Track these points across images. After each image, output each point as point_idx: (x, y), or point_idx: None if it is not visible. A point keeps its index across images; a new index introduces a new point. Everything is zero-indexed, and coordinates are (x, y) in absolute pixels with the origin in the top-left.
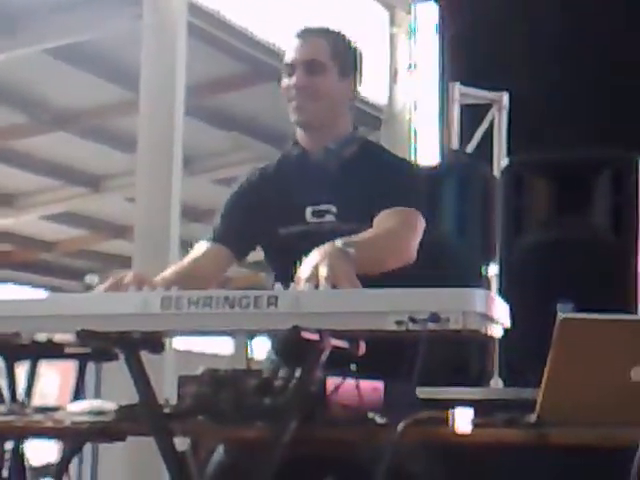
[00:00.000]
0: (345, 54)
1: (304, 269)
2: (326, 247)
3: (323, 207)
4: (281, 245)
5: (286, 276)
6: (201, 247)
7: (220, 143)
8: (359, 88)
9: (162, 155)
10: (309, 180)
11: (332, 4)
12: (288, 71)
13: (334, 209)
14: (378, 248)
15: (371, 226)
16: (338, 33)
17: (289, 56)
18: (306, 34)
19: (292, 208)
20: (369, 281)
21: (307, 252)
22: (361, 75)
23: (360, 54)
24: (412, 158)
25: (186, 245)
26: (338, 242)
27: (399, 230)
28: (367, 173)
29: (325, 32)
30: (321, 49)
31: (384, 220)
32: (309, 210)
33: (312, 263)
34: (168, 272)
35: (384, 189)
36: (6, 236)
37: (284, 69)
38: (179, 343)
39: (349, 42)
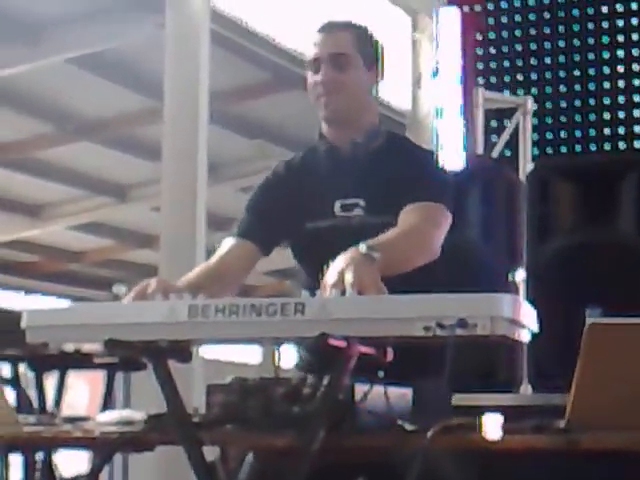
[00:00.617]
0: (369, 45)
1: (330, 275)
2: (351, 253)
3: (351, 201)
4: (309, 240)
5: (316, 271)
6: (227, 243)
7: (244, 151)
8: (382, 81)
9: (187, 163)
10: (337, 174)
11: (355, 10)
12: (313, 67)
13: (362, 202)
14: (402, 248)
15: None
16: (360, 26)
17: (314, 51)
18: (330, 28)
19: (320, 202)
20: (396, 286)
21: (336, 246)
22: (383, 68)
23: (382, 47)
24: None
25: (211, 253)
26: (362, 247)
27: (422, 226)
28: (395, 166)
29: (348, 25)
30: (346, 41)
31: (408, 216)
32: (338, 204)
33: (337, 269)
34: (193, 273)
35: (411, 182)
36: (33, 247)
37: (309, 65)
38: (207, 352)
39: (371, 34)
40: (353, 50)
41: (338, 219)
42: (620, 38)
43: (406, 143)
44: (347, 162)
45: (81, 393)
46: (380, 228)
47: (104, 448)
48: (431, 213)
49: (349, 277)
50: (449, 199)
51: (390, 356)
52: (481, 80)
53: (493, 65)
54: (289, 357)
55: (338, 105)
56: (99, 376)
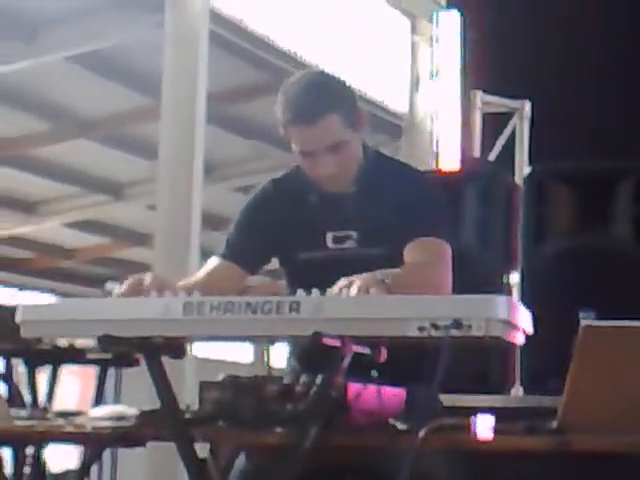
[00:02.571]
0: (351, 107)
1: (339, 282)
2: (363, 274)
3: (344, 233)
4: (304, 269)
5: None
6: (213, 263)
7: (241, 151)
8: (366, 118)
9: (183, 163)
10: (327, 205)
11: (354, 13)
12: (304, 154)
13: (355, 235)
14: (414, 283)
15: (394, 251)
16: (337, 89)
17: (301, 145)
18: (313, 118)
19: (311, 232)
20: None
21: (331, 277)
22: (359, 110)
23: (352, 90)
24: (433, 167)
25: (206, 253)
26: (377, 273)
27: (433, 265)
28: (386, 196)
29: (328, 104)
30: (335, 127)
31: (414, 254)
32: (330, 235)
33: (347, 280)
34: (182, 283)
35: (406, 215)
36: (27, 243)
37: (300, 153)
38: (198, 350)
39: (343, 86)
40: (343, 130)
41: (332, 251)
42: (620, 44)
43: (395, 167)
44: (337, 195)
45: (72, 389)
46: (374, 260)
47: (96, 443)
48: (437, 250)
49: (357, 282)
50: (448, 231)
51: (384, 356)
52: (479, 84)
53: (491, 69)
54: (281, 356)
55: (344, 181)
56: (90, 372)
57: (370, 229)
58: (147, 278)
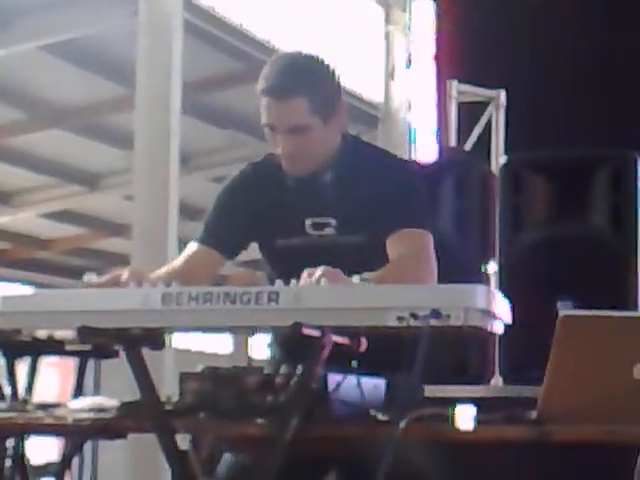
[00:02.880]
0: (325, 97)
1: (303, 274)
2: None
3: (322, 220)
4: (281, 256)
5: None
6: (191, 248)
7: (216, 141)
8: (346, 113)
9: (159, 153)
10: (304, 192)
11: (328, 2)
12: (269, 129)
13: (334, 222)
14: (399, 282)
15: (374, 238)
16: (316, 75)
17: (267, 117)
18: (281, 93)
19: (289, 217)
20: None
21: (309, 264)
22: (341, 102)
23: (337, 76)
24: (409, 156)
25: (184, 243)
26: (355, 278)
27: (417, 260)
28: (365, 183)
29: (299, 86)
30: (301, 111)
31: (397, 247)
32: (308, 221)
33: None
34: (161, 272)
35: (386, 204)
36: (3, 234)
37: (264, 125)
38: (178, 342)
39: (326, 75)
40: (309, 116)
41: (310, 237)
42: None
43: (373, 153)
44: (315, 181)
45: (51, 381)
46: (353, 247)
47: (77, 435)
48: (420, 242)
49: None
50: (429, 220)
51: (364, 346)
52: (454, 73)
53: (466, 58)
54: (260, 347)
55: (302, 165)
56: (69, 364)
57: (349, 216)
58: (125, 273)
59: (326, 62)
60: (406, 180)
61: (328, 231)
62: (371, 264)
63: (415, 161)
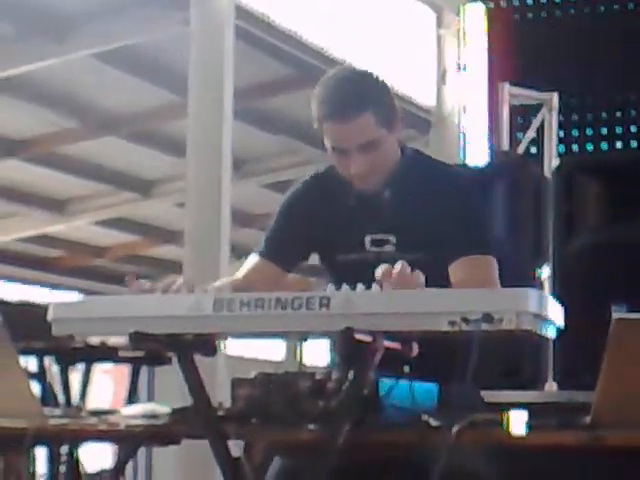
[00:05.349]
0: (386, 107)
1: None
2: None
3: (382, 236)
4: (341, 271)
5: None
6: (252, 261)
7: (269, 147)
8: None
9: (211, 159)
10: (365, 207)
11: (379, 7)
12: (337, 152)
13: (393, 239)
14: None
15: (434, 257)
16: (372, 86)
17: (334, 143)
18: (346, 116)
19: (349, 234)
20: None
21: (367, 279)
22: (395, 106)
23: (387, 86)
24: (462, 161)
25: (236, 250)
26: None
27: (482, 284)
28: (424, 199)
29: (362, 102)
30: (369, 126)
31: (460, 274)
32: (368, 238)
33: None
34: (220, 284)
35: (447, 225)
36: (58, 242)
37: (332, 148)
38: (231, 349)
39: (381, 86)
40: (377, 129)
41: (369, 253)
42: None
43: (433, 167)
44: (375, 198)
45: (105, 388)
46: (413, 265)
47: (130, 441)
48: (484, 269)
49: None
50: (492, 242)
51: (415, 351)
52: (506, 76)
53: (519, 61)
54: (313, 353)
55: (374, 180)
56: (123, 372)
57: (409, 234)
58: (177, 282)
59: (373, 73)
60: (467, 199)
61: (388, 248)
62: (430, 282)
63: (468, 165)
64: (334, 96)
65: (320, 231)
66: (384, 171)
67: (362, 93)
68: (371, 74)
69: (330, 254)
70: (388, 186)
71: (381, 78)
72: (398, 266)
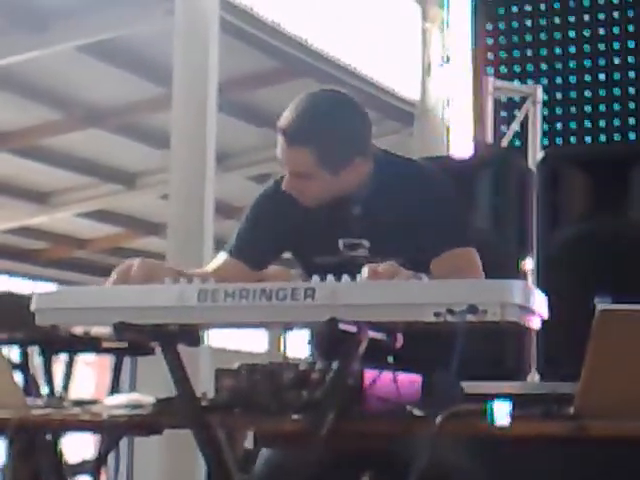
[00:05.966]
0: (336, 153)
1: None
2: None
3: (355, 241)
4: (318, 271)
5: None
6: (220, 259)
7: (253, 139)
8: (369, 159)
9: (195, 152)
10: (335, 212)
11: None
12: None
13: (366, 243)
14: None
15: (409, 260)
16: (332, 126)
17: (278, 153)
18: (290, 140)
19: (324, 238)
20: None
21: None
22: (368, 143)
23: (364, 121)
24: (445, 153)
25: (220, 242)
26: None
27: (465, 272)
28: (396, 206)
29: (310, 135)
30: (305, 161)
31: (443, 268)
32: (341, 242)
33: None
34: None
35: (423, 227)
36: (40, 234)
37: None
38: (214, 340)
39: (346, 123)
40: (314, 167)
41: (344, 257)
42: (631, 28)
43: (403, 169)
44: (344, 211)
45: (88, 379)
46: None
47: (113, 431)
48: (466, 259)
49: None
50: (469, 232)
51: (400, 342)
52: (491, 69)
53: (503, 55)
54: (296, 345)
55: (308, 203)
56: (105, 363)
57: (382, 239)
58: (135, 263)
59: (355, 107)
60: (437, 195)
61: (361, 252)
62: None
63: (450, 157)
64: (290, 115)
65: (291, 233)
66: (319, 200)
67: (314, 126)
68: (349, 107)
69: (304, 256)
70: (356, 202)
71: (359, 114)
72: (384, 265)
